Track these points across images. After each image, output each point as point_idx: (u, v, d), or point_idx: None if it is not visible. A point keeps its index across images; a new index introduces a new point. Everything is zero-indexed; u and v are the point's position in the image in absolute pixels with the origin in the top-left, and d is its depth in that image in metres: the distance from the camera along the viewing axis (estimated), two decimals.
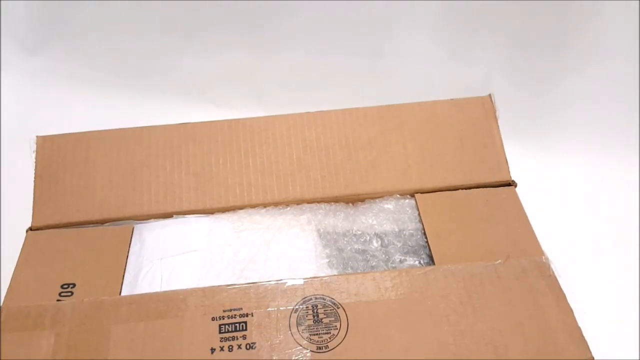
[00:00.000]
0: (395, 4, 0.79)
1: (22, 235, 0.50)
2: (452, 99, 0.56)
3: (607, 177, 0.76)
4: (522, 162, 0.53)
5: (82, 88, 0.64)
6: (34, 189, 0.52)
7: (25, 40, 0.87)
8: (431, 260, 0.47)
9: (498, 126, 0.55)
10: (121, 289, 0.46)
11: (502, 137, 0.54)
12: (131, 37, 0.85)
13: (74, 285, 0.46)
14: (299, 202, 0.52)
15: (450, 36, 0.80)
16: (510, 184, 0.52)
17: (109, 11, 0.83)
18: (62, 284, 0.46)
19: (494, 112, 0.55)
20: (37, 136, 0.53)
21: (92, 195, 0.51)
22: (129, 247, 0.49)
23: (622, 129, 0.79)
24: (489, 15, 0.78)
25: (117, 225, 0.50)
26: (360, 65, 0.85)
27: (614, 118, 0.79)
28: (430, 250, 0.47)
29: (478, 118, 0.55)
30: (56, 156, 0.53)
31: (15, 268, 0.48)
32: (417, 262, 0.47)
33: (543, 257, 0.45)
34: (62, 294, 0.45)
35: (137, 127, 0.54)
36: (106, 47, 0.86)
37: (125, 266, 0.47)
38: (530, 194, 0.52)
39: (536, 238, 0.48)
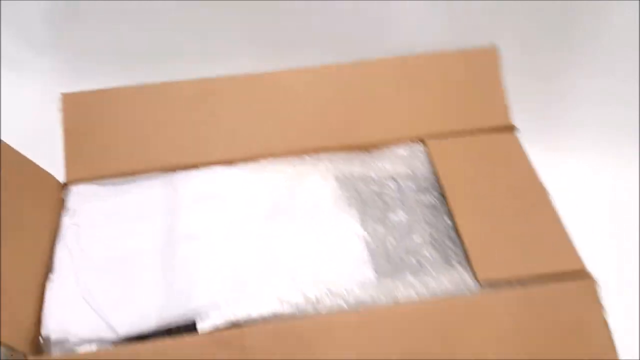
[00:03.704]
0: (398, 4, 0.79)
1: None
2: (457, 50, 0.60)
3: (614, 177, 0.76)
4: None
5: (90, 88, 0.62)
6: (65, 144, 0.54)
7: (33, 39, 0.86)
8: (443, 197, 0.51)
9: (501, 74, 0.58)
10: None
11: None
12: (140, 38, 0.85)
13: None
14: (317, 150, 0.55)
15: (455, 35, 0.80)
16: (512, 128, 0.57)
17: (118, 12, 0.82)
18: None
19: (497, 62, 0.59)
20: (62, 93, 0.55)
21: (122, 149, 0.54)
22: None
23: (629, 129, 0.78)
24: (494, 14, 0.78)
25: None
26: None
27: (621, 118, 0.79)
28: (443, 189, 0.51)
29: (482, 69, 0.59)
30: (82, 113, 0.56)
31: None
32: (431, 200, 0.51)
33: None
34: None
35: (158, 83, 0.57)
36: (115, 47, 0.86)
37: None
38: None
39: (539, 179, 0.52)
